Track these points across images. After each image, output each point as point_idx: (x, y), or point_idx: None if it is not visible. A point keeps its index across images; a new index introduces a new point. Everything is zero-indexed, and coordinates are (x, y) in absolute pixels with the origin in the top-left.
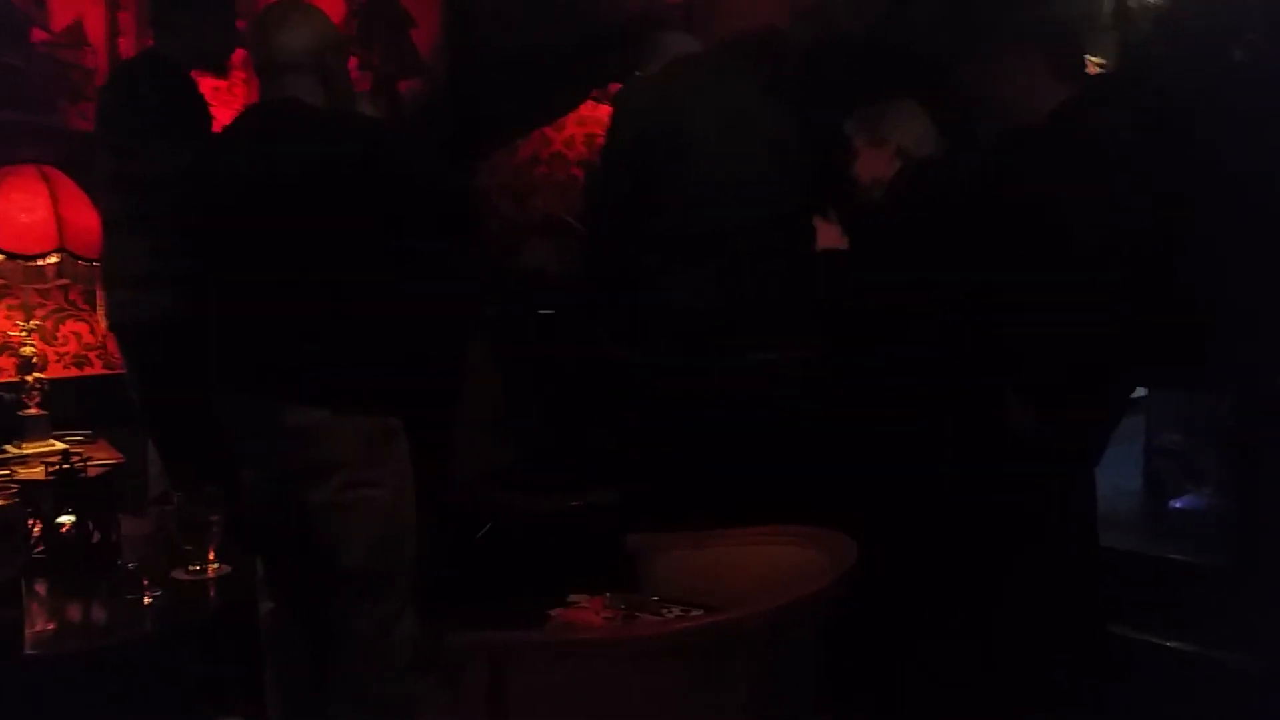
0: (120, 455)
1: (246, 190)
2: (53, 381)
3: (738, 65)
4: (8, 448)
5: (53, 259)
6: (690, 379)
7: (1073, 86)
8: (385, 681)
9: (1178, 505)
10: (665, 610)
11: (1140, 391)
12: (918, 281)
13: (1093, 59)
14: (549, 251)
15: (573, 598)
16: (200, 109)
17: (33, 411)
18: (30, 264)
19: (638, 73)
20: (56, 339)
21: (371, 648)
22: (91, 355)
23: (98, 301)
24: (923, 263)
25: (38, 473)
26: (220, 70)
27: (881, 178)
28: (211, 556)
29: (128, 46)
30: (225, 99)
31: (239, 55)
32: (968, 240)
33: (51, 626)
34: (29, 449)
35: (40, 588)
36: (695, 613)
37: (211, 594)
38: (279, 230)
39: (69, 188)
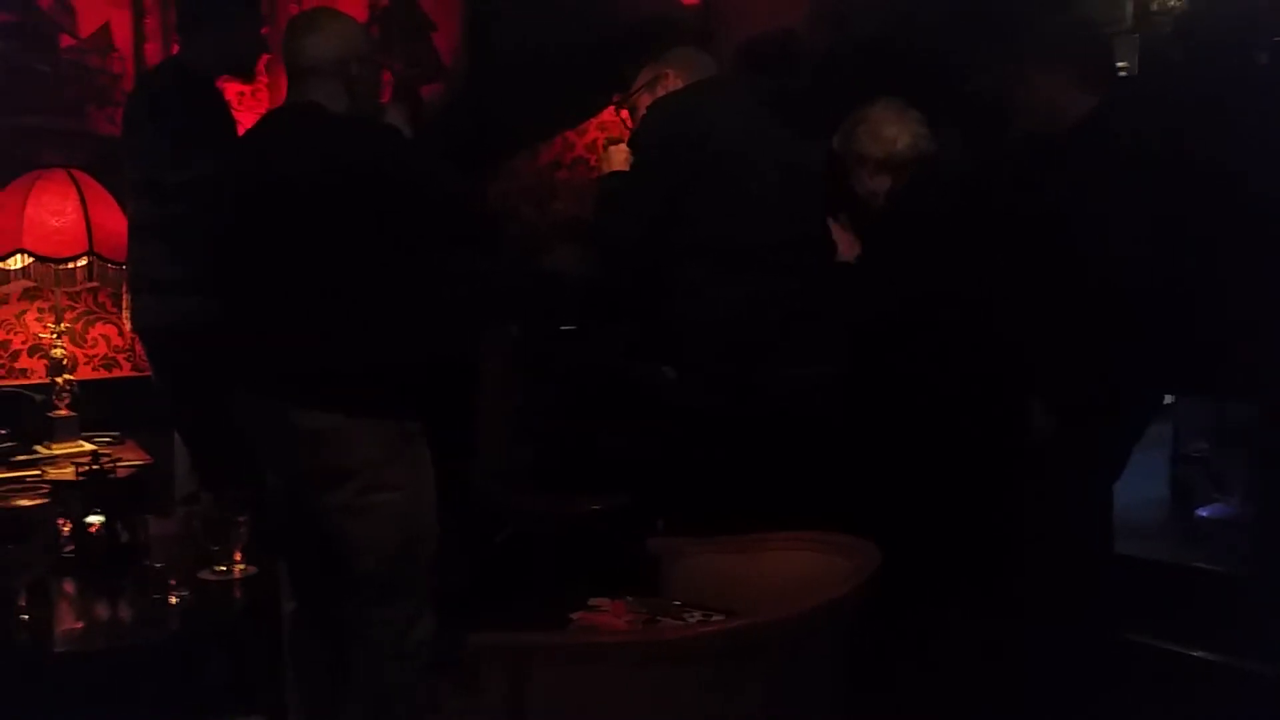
0: (149, 456)
1: (262, 192)
2: (82, 383)
3: (761, 84)
4: (38, 448)
5: (82, 262)
6: (730, 391)
7: (1100, 95)
8: (404, 684)
9: (1204, 514)
10: (687, 614)
11: (1168, 399)
12: (921, 292)
13: (1116, 63)
14: (573, 256)
15: (594, 601)
16: (224, 117)
17: (62, 413)
18: (61, 267)
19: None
20: (86, 341)
21: (389, 650)
22: (120, 357)
23: (123, 305)
24: (924, 274)
25: (67, 473)
26: (247, 76)
27: (876, 190)
28: (238, 557)
29: (154, 52)
30: (250, 104)
31: (263, 61)
32: (972, 249)
33: (80, 625)
34: (59, 450)
35: (69, 586)
36: (717, 617)
37: (237, 594)
38: (293, 233)
39: (98, 192)
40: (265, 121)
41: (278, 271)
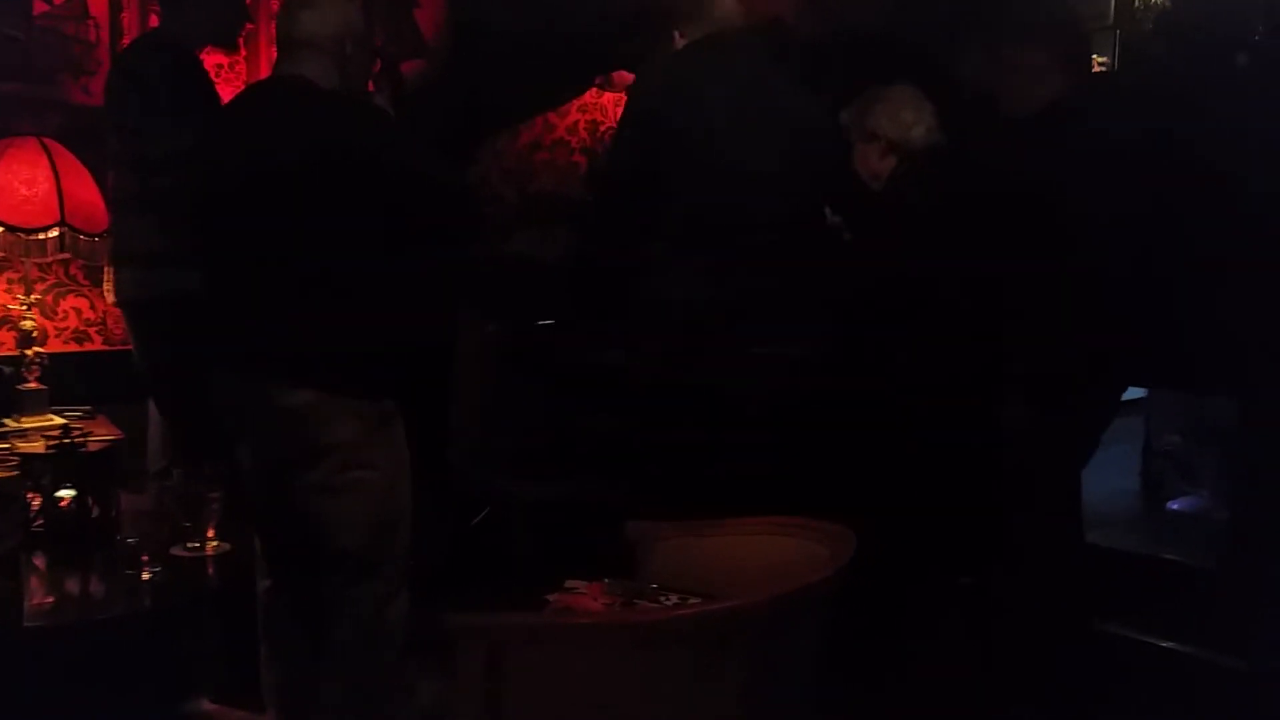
0: (119, 431)
1: (243, 165)
2: (52, 356)
3: (760, 49)
4: (6, 421)
5: (53, 233)
6: (688, 371)
7: (1075, 82)
8: (379, 662)
9: (1174, 506)
10: (663, 598)
11: (1140, 393)
12: (915, 277)
13: (1095, 58)
14: (538, 239)
15: (570, 583)
16: (207, 88)
17: (32, 385)
18: (31, 238)
19: (677, 35)
20: (56, 314)
21: (366, 628)
22: (91, 331)
23: (105, 278)
24: (920, 259)
25: (37, 446)
26: (230, 47)
27: (878, 173)
28: (211, 534)
29: (130, 20)
30: (228, 76)
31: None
32: (966, 236)
33: (50, 599)
34: (28, 423)
35: (39, 561)
36: (694, 601)
37: (210, 571)
38: (275, 208)
39: (70, 161)
40: (250, 93)
41: (257, 247)
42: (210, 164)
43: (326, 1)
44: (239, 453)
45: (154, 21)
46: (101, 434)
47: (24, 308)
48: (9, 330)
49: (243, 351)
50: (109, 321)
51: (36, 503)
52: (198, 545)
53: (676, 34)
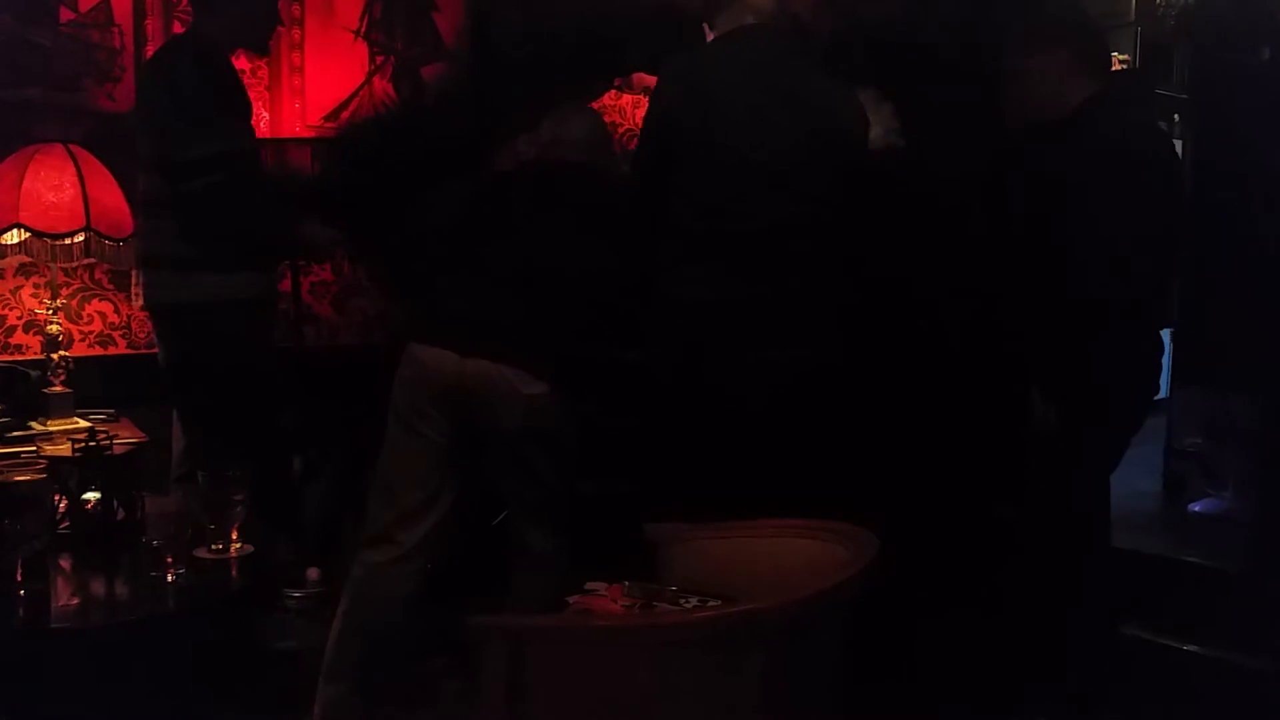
0: (143, 434)
1: (533, 212)
2: (77, 360)
3: (787, 42)
4: (33, 424)
5: (79, 238)
6: (697, 374)
7: (1098, 84)
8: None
9: (1197, 508)
10: (683, 600)
11: (1162, 393)
12: (919, 281)
13: (1116, 55)
14: None
15: (591, 585)
16: (238, 91)
17: (58, 389)
18: (57, 243)
19: (707, 29)
20: (81, 318)
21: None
22: (115, 335)
23: (132, 281)
24: (888, 264)
25: (63, 449)
26: (262, 50)
27: None
28: (235, 536)
29: (155, 27)
30: (250, 82)
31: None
32: (951, 238)
33: (76, 601)
34: (54, 426)
35: (65, 563)
36: (713, 603)
37: (234, 573)
38: (556, 246)
39: (96, 167)
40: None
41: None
42: (507, 204)
43: (588, 114)
44: (451, 420)
45: (178, 28)
46: (126, 437)
47: (50, 312)
48: (35, 334)
49: (508, 348)
50: (133, 325)
51: (63, 505)
52: (221, 547)
53: (706, 28)
